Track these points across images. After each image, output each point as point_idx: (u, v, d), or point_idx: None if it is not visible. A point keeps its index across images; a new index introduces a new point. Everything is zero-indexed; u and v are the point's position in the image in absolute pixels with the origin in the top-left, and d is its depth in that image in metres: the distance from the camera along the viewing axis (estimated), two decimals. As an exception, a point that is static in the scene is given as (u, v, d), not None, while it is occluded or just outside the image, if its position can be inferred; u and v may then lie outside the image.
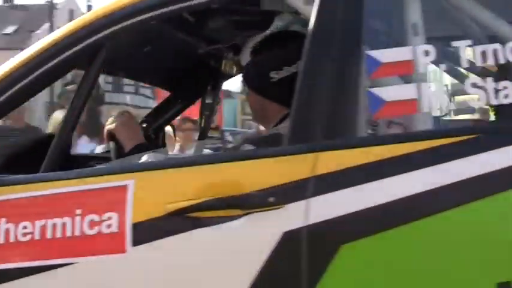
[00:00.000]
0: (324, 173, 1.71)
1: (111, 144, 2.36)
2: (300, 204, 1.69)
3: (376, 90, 1.76)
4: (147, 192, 1.83)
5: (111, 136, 2.35)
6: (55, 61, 2.00)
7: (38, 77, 2.01)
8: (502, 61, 1.71)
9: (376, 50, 1.80)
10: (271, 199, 1.70)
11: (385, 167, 1.67)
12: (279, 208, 1.69)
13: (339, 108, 1.80)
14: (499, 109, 1.78)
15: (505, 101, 1.68)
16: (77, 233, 1.80)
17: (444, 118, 1.97)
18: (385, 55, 1.79)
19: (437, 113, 1.86)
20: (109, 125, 2.38)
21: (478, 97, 1.71)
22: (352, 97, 1.81)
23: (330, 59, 1.82)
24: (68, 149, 2.30)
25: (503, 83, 1.68)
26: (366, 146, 1.76)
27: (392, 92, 1.76)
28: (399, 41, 1.90)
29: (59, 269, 1.80)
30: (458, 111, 2.05)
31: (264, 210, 1.70)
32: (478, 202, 1.61)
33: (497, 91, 1.68)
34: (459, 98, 1.99)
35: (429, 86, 1.77)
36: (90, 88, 2.09)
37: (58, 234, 1.81)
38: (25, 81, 2.00)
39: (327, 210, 1.67)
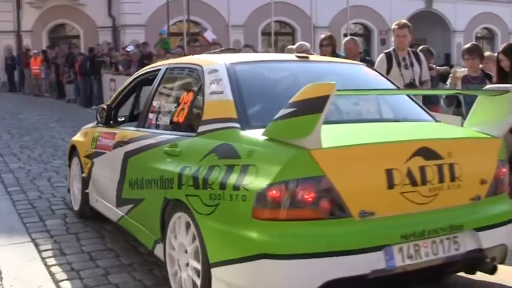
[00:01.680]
0: (129, 138, 5.06)
1: None
2: (127, 145, 5.00)
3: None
4: (119, 135, 5.33)
5: None
6: (132, 84, 5.88)
7: (128, 91, 5.96)
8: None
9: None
10: (122, 143, 5.16)
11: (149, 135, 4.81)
12: (126, 145, 5.05)
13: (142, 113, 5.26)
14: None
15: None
16: (105, 144, 5.65)
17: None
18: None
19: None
20: None
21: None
22: (146, 106, 5.09)
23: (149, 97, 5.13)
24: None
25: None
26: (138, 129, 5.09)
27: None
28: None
29: (104, 155, 5.63)
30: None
31: (119, 148, 5.21)
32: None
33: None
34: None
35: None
36: (138, 93, 6.16)
37: (106, 143, 5.60)
38: (124, 92, 5.95)
39: (128, 147, 4.96)
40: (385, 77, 5.02)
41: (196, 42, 13.22)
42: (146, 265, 4.69)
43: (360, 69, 5.04)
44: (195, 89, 4.41)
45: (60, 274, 4.84)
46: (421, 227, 3.46)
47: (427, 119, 4.43)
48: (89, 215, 6.22)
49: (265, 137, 3.45)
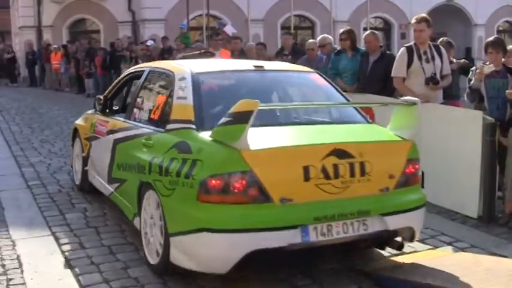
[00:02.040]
0: (118, 127, 6.13)
1: None
2: (116, 133, 6.10)
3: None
4: (111, 124, 6.41)
5: None
6: (124, 79, 7.03)
7: (121, 85, 7.08)
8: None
9: None
10: (112, 131, 6.28)
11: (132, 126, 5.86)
12: (115, 133, 6.12)
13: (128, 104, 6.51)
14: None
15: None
16: (100, 131, 6.67)
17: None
18: None
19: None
20: None
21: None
22: (132, 101, 6.20)
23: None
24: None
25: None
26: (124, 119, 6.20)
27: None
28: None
29: (99, 139, 6.67)
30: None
31: (110, 135, 6.31)
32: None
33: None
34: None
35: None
36: (129, 88, 7.24)
37: (101, 130, 6.65)
38: (118, 85, 7.10)
39: (117, 135, 6.04)
40: (330, 83, 5.74)
41: (218, 36, 13.35)
42: (165, 259, 4.69)
43: (308, 77, 5.90)
44: (168, 92, 5.37)
45: (80, 267, 4.89)
46: (332, 212, 4.34)
47: (359, 121, 5.20)
48: (88, 189, 7.20)
49: (211, 138, 4.39)
